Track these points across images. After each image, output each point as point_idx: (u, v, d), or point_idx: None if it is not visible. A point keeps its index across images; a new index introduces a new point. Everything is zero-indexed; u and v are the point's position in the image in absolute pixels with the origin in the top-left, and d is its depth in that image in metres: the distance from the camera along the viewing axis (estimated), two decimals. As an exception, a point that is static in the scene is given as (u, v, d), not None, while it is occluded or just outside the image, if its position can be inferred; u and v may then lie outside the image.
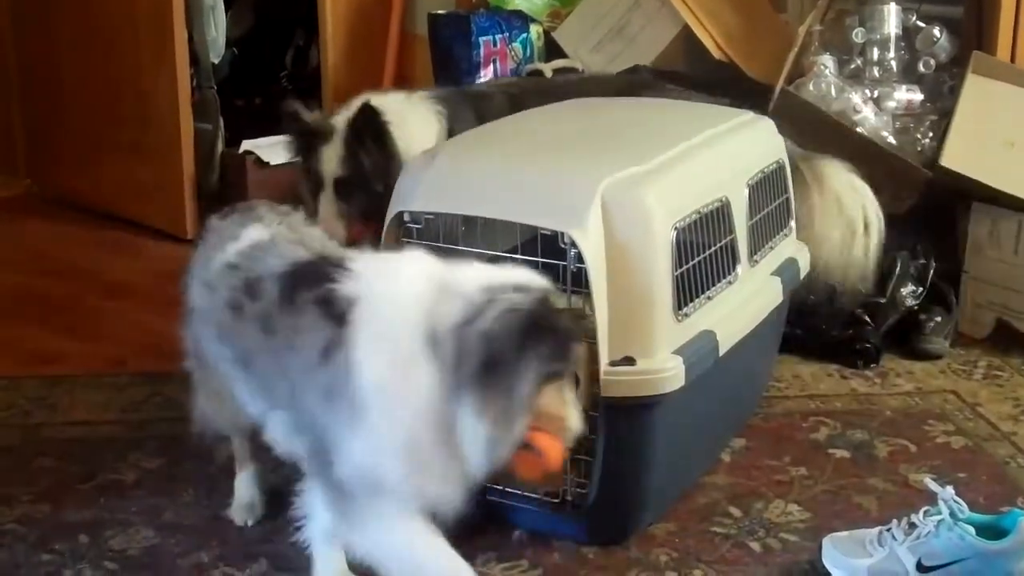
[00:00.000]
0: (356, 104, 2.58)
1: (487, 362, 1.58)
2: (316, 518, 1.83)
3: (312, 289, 1.71)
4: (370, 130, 2.52)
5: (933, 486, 1.93)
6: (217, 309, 1.86)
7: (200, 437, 2.07)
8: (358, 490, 1.67)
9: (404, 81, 3.88)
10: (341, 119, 2.57)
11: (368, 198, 2.50)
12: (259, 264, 1.82)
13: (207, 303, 1.89)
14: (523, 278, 1.68)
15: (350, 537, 1.74)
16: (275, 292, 1.76)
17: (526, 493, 2.05)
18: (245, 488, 2.13)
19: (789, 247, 2.42)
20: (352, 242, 2.42)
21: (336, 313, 1.66)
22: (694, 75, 3.33)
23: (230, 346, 1.85)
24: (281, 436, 1.83)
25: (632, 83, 2.97)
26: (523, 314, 1.60)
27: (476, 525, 2.08)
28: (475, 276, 1.66)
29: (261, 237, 1.88)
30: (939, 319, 2.89)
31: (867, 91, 3.13)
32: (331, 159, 2.53)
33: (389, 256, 1.81)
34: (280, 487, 2.09)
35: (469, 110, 2.68)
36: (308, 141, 2.56)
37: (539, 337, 1.60)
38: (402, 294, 1.66)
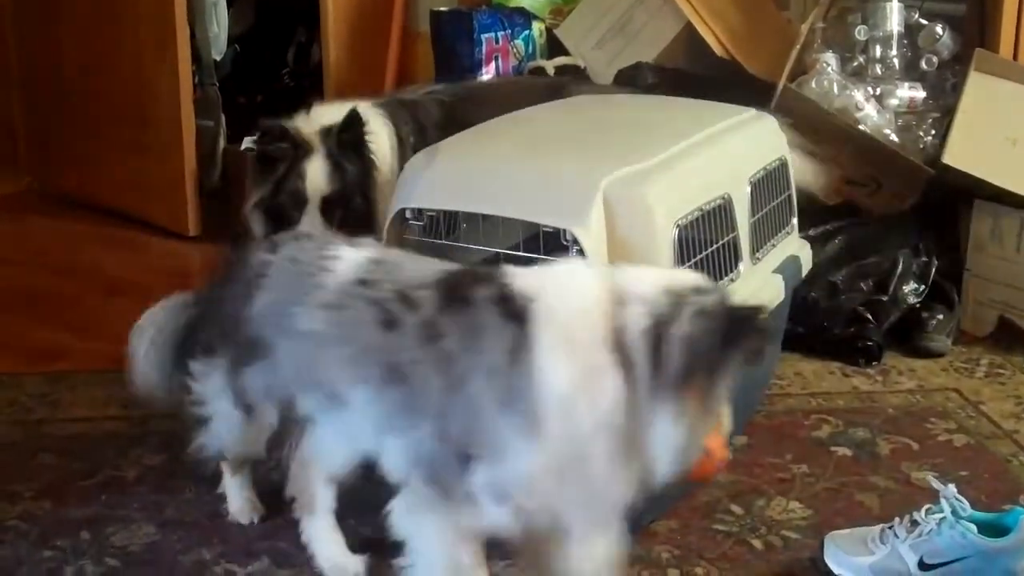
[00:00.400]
0: (324, 113, 2.47)
1: (689, 366, 1.52)
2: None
3: (485, 287, 1.62)
4: (352, 141, 2.42)
5: (935, 484, 1.93)
6: (356, 328, 1.71)
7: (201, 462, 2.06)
8: (488, 498, 1.61)
9: (406, 78, 3.88)
10: (311, 131, 2.44)
11: (349, 213, 2.41)
12: (403, 275, 1.72)
13: (331, 326, 1.74)
14: (694, 279, 1.61)
15: (420, 527, 1.69)
16: (437, 297, 1.65)
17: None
18: (238, 490, 2.11)
19: (791, 245, 2.42)
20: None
21: (515, 311, 1.57)
22: (696, 72, 3.33)
23: (375, 363, 1.69)
24: (404, 458, 1.70)
25: (558, 85, 2.90)
26: (723, 315, 1.54)
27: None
28: (649, 278, 1.59)
29: (370, 255, 1.78)
30: (941, 317, 2.89)
31: (869, 88, 3.13)
32: (316, 175, 2.40)
33: (543, 266, 1.69)
34: (280, 486, 2.09)
35: (408, 117, 2.61)
36: (291, 158, 2.41)
37: (739, 338, 1.55)
38: (579, 297, 1.58)
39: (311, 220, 2.42)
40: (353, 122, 2.43)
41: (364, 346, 1.71)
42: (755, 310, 1.58)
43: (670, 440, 1.55)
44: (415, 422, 1.66)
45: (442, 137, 2.31)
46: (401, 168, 2.20)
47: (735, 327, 1.54)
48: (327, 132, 2.43)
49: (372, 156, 2.46)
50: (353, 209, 2.42)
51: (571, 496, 1.59)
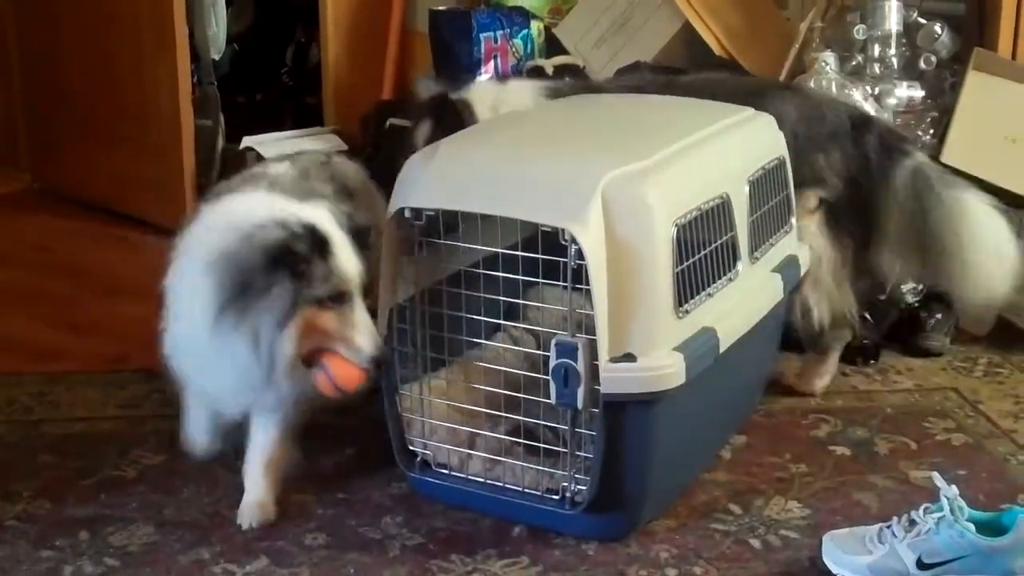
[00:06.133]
0: (477, 90, 2.73)
1: (240, 284, 1.88)
2: None
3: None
4: (449, 116, 2.60)
5: (939, 482, 1.93)
6: None
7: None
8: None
9: (405, 78, 3.88)
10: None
11: None
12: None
13: None
14: (294, 212, 1.95)
15: None
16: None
17: (527, 489, 2.06)
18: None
19: (790, 244, 2.42)
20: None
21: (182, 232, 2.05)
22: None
23: None
24: None
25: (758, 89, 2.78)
26: (265, 245, 1.88)
27: (476, 521, 2.10)
28: (257, 211, 1.95)
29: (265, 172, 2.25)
30: (939, 316, 2.89)
31: (868, 88, 3.12)
32: (419, 137, 2.64)
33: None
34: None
35: None
36: (414, 120, 2.74)
37: (283, 264, 1.88)
38: (209, 225, 2.01)
39: None
40: (443, 102, 2.66)
41: None
42: (302, 238, 1.90)
43: (244, 348, 1.90)
44: None
45: None
46: None
47: (272, 256, 1.88)
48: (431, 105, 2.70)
49: None
50: None
51: (201, 373, 2.04)
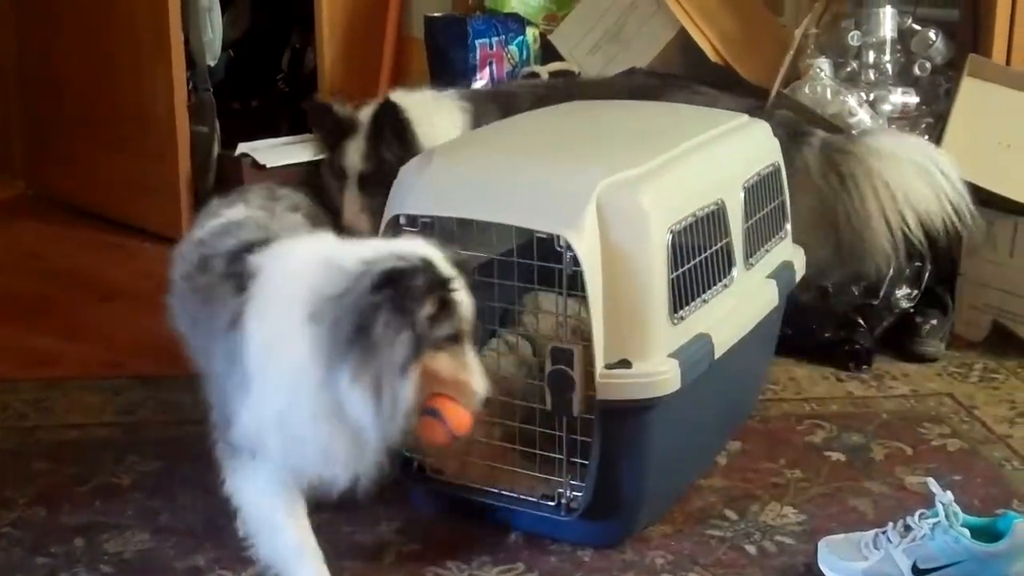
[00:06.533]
0: (400, 99, 2.65)
1: (357, 328, 1.65)
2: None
3: (230, 263, 1.81)
4: (391, 126, 2.56)
5: (934, 488, 1.93)
6: (175, 283, 1.97)
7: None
8: (242, 451, 1.80)
9: (400, 84, 3.88)
10: (366, 114, 2.63)
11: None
12: (223, 241, 1.89)
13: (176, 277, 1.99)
14: (406, 248, 1.74)
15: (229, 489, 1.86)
16: (221, 267, 1.83)
17: (522, 496, 2.06)
18: None
19: (785, 250, 2.43)
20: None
21: (240, 283, 1.77)
22: (691, 78, 3.33)
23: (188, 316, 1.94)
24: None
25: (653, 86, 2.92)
26: (383, 280, 1.66)
27: (472, 527, 2.10)
28: (358, 250, 1.74)
29: (232, 218, 1.95)
30: (935, 322, 2.89)
31: (863, 94, 3.13)
32: (354, 154, 2.58)
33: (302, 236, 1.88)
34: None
35: (496, 108, 2.71)
36: (334, 135, 2.62)
37: (408, 302, 1.66)
38: (291, 268, 1.75)
39: (350, 193, 2.61)
40: (387, 108, 2.58)
41: (182, 300, 1.95)
42: (404, 272, 1.68)
43: (357, 401, 1.67)
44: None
45: None
46: None
47: (395, 292, 1.66)
48: (372, 117, 2.61)
49: (416, 142, 2.57)
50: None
51: (299, 448, 1.75)
